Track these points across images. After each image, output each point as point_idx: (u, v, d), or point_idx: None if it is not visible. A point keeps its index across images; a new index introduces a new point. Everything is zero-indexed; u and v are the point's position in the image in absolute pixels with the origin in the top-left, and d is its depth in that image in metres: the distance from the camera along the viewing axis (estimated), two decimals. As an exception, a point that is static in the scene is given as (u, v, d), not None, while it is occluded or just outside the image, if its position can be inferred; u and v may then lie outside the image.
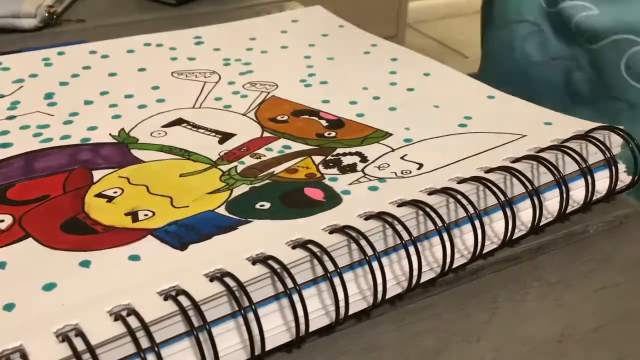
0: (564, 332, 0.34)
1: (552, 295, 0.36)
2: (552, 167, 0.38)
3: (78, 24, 0.69)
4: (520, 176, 0.38)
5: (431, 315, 0.34)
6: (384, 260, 0.34)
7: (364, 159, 0.41)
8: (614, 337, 0.34)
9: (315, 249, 0.32)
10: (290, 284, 0.31)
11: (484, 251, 0.37)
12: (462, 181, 0.38)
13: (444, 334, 0.33)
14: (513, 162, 0.39)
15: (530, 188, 0.37)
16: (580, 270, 0.37)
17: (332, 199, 0.37)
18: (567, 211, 0.40)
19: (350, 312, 0.33)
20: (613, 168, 0.41)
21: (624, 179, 0.42)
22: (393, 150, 0.42)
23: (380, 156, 0.42)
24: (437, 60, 0.54)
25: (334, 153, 0.42)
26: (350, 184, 0.39)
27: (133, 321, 0.28)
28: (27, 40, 0.63)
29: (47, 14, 0.67)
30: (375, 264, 0.33)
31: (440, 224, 0.35)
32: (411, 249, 0.34)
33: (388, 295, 0.34)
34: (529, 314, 0.35)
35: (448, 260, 0.35)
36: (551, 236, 0.39)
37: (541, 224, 0.39)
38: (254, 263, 0.32)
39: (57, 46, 0.57)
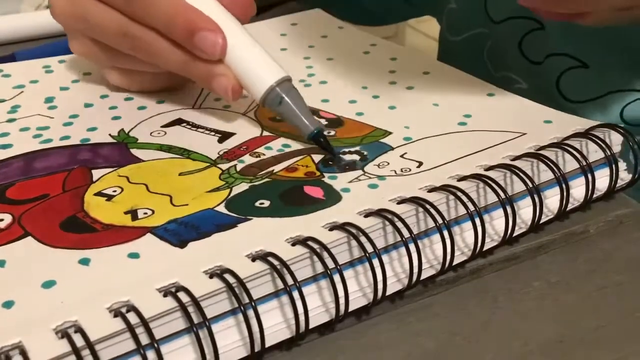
0: (564, 332, 0.34)
1: (552, 295, 0.36)
2: (552, 165, 0.38)
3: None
4: (520, 174, 0.38)
5: (431, 314, 0.34)
6: (384, 257, 0.34)
7: (363, 157, 0.41)
8: (614, 337, 0.34)
9: (315, 246, 0.32)
10: (290, 281, 0.31)
11: (484, 249, 0.37)
12: (462, 179, 0.38)
13: (444, 334, 0.33)
14: (513, 159, 0.39)
15: (530, 186, 0.37)
16: (580, 270, 0.37)
17: (332, 197, 0.37)
18: (568, 209, 0.40)
19: (351, 309, 0.33)
20: (613, 166, 0.40)
21: (625, 177, 0.42)
22: (393, 148, 0.42)
23: (380, 154, 0.42)
24: (432, 57, 0.54)
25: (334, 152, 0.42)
26: (350, 182, 0.39)
27: (132, 317, 0.28)
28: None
29: None
30: (375, 261, 0.33)
31: (440, 221, 0.35)
32: (411, 246, 0.34)
33: (388, 292, 0.34)
34: (529, 314, 0.35)
35: (448, 257, 0.35)
36: (551, 236, 0.39)
37: (541, 221, 0.39)
38: (253, 260, 0.32)
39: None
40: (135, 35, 0.44)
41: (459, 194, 0.36)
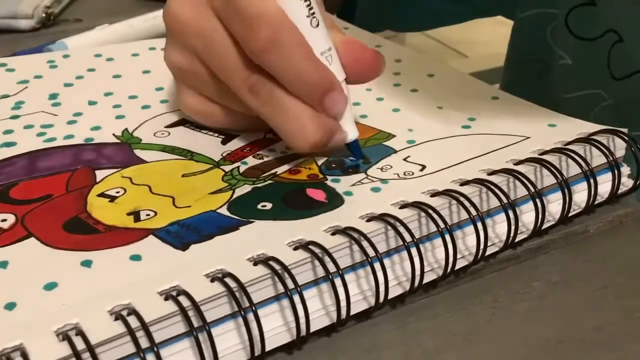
0: (564, 332, 0.34)
1: (552, 295, 0.36)
2: (555, 170, 0.38)
3: (76, 23, 0.69)
4: (522, 179, 0.38)
5: (431, 315, 0.34)
6: (386, 261, 0.34)
7: (366, 160, 0.41)
8: (614, 337, 0.34)
9: (317, 250, 0.32)
10: (291, 285, 0.31)
11: (486, 253, 0.37)
12: (464, 183, 0.38)
13: (444, 334, 0.33)
14: (516, 164, 0.39)
15: (532, 191, 0.37)
16: (580, 270, 0.37)
17: (334, 200, 0.37)
18: (570, 214, 0.40)
19: (352, 313, 0.33)
20: (616, 171, 0.40)
21: (627, 182, 0.42)
22: (396, 151, 0.42)
23: (383, 157, 0.42)
24: (437, 60, 0.54)
25: (337, 154, 0.42)
26: (353, 185, 0.39)
27: (133, 321, 0.28)
28: (24, 41, 0.64)
29: (44, 15, 0.68)
30: (377, 265, 0.33)
31: (442, 225, 0.35)
32: (413, 251, 0.34)
33: (390, 297, 0.34)
34: (529, 314, 0.35)
35: (450, 262, 0.35)
36: (551, 236, 0.39)
37: (543, 227, 0.39)
38: (255, 264, 0.32)
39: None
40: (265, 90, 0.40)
41: (462, 199, 0.36)
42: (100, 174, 0.40)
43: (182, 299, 0.29)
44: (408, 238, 0.34)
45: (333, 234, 0.34)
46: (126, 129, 0.45)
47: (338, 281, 0.32)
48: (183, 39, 0.42)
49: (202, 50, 0.41)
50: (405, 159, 0.41)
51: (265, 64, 0.38)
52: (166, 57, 0.43)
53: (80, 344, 0.27)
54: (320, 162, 0.41)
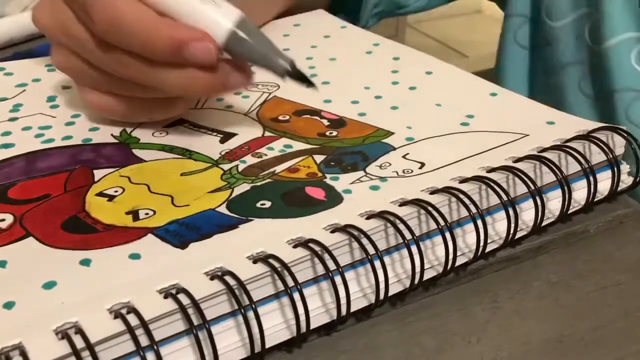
0: (564, 332, 0.34)
1: (552, 295, 0.36)
2: (554, 168, 0.38)
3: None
4: (522, 176, 0.38)
5: (431, 314, 0.34)
6: (386, 258, 0.34)
7: (365, 158, 0.41)
8: (614, 337, 0.34)
9: (316, 248, 0.32)
10: (291, 283, 0.31)
11: (486, 251, 0.37)
12: (464, 180, 0.38)
13: (444, 334, 0.33)
14: (515, 161, 0.39)
15: (532, 188, 0.37)
16: (580, 270, 0.37)
17: (334, 198, 0.37)
18: (570, 212, 0.40)
19: (352, 310, 0.33)
20: (615, 169, 0.40)
21: (626, 179, 0.42)
22: (395, 149, 0.42)
23: (382, 155, 0.42)
24: (435, 58, 0.54)
25: (336, 152, 0.42)
26: (352, 183, 0.39)
27: (133, 319, 0.28)
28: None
29: None
30: (377, 263, 0.33)
31: (442, 223, 0.35)
32: (413, 248, 0.34)
33: (390, 294, 0.34)
34: (529, 314, 0.35)
35: (450, 259, 0.35)
36: (551, 236, 0.39)
37: (543, 224, 0.39)
38: (254, 262, 0.32)
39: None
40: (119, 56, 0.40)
41: (461, 196, 0.36)
42: (98, 174, 0.40)
43: (182, 297, 0.29)
44: (408, 235, 0.34)
45: (333, 231, 0.34)
46: (124, 129, 0.45)
47: (338, 279, 0.32)
48: (53, 39, 0.43)
49: (68, 43, 0.42)
50: (404, 157, 0.41)
51: (115, 44, 0.39)
52: (52, 62, 0.44)
53: (79, 343, 0.27)
54: (319, 161, 0.41)
